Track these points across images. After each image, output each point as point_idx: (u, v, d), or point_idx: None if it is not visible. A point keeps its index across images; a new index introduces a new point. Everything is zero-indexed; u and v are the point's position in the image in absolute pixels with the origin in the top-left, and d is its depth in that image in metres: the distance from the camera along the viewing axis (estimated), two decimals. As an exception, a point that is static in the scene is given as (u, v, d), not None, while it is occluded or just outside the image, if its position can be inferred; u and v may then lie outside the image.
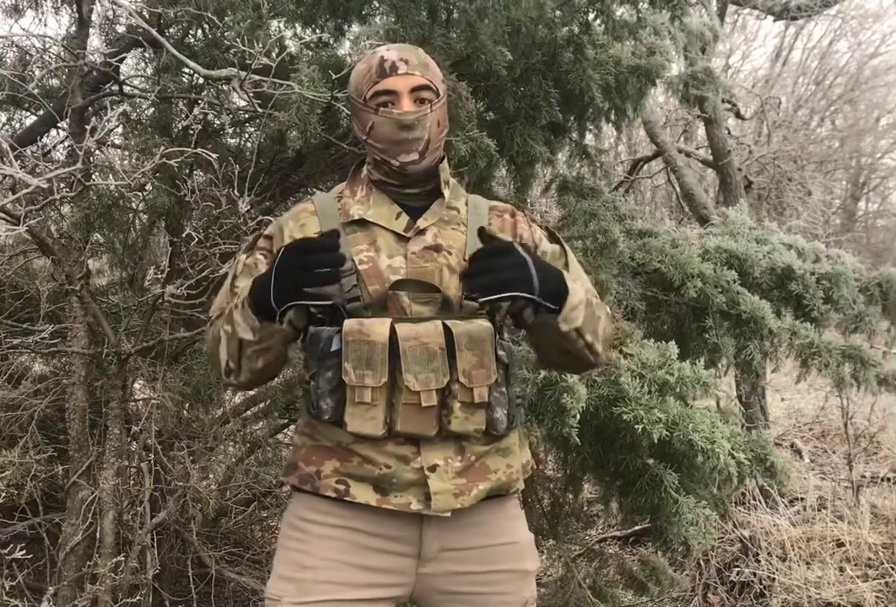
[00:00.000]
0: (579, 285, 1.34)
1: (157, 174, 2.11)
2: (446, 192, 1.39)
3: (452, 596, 1.35)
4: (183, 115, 2.33)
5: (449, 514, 1.29)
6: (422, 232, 1.35)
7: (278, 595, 1.31)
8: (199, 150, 1.79)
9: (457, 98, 1.96)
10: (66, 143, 2.32)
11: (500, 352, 1.32)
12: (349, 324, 1.27)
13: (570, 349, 1.34)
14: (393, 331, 1.26)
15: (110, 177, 2.38)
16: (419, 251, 1.33)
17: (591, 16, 2.27)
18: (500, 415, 1.31)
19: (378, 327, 1.26)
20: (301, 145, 1.87)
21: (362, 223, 1.36)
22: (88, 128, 1.93)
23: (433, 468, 1.28)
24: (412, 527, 1.32)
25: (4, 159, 1.53)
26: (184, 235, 1.92)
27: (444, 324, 1.28)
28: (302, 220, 1.38)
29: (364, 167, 1.42)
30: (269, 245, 1.39)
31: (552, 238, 1.46)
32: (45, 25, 2.51)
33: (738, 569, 3.10)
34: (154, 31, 1.87)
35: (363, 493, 1.30)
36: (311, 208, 1.40)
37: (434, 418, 1.27)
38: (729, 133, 6.08)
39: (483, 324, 1.30)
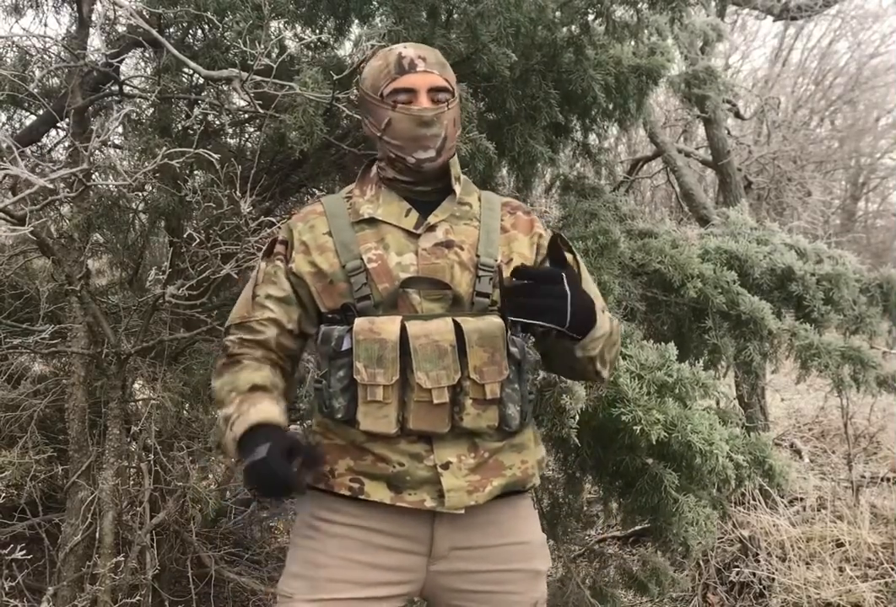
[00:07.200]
0: (607, 318, 1.34)
1: (158, 174, 2.10)
2: (457, 188, 1.39)
3: (462, 594, 1.35)
4: (183, 116, 2.32)
5: (463, 511, 1.29)
6: (432, 228, 1.35)
7: (290, 592, 1.32)
8: (199, 151, 1.79)
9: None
10: (65, 143, 2.32)
11: (513, 349, 1.31)
12: (360, 322, 1.27)
13: (576, 368, 1.36)
14: (403, 329, 1.26)
15: (111, 177, 2.38)
16: (430, 247, 1.33)
17: (590, 17, 2.27)
18: (513, 411, 1.31)
19: (388, 325, 1.26)
20: (307, 147, 1.87)
21: (371, 221, 1.36)
22: (92, 129, 1.93)
23: (446, 465, 1.28)
24: (424, 526, 1.32)
25: (5, 158, 1.53)
26: (185, 236, 1.92)
27: (455, 321, 1.28)
28: (311, 222, 1.39)
29: (373, 167, 1.42)
30: (284, 250, 1.40)
31: (564, 246, 1.45)
32: (45, 25, 2.51)
33: (737, 569, 3.10)
34: (154, 32, 1.87)
35: (377, 491, 1.30)
36: (320, 209, 1.41)
37: (446, 415, 1.27)
38: (729, 133, 6.07)
39: (494, 320, 1.30)
